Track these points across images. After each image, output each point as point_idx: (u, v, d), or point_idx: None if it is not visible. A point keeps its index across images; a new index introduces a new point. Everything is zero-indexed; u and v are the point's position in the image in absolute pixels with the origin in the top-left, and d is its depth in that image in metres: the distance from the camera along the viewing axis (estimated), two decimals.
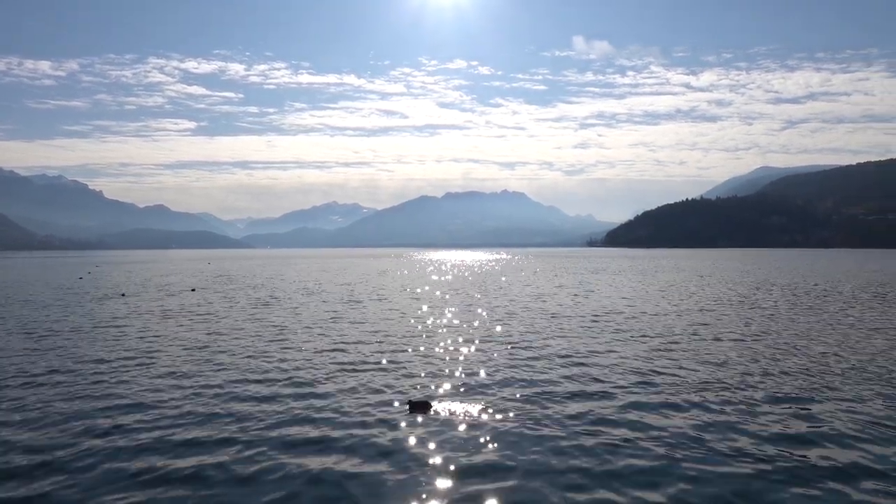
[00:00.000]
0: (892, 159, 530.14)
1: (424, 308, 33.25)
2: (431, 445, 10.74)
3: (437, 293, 43.82)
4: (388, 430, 11.54)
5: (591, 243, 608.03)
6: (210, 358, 18.76)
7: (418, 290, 46.55)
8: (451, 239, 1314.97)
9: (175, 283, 59.09)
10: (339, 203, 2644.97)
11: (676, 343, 21.25)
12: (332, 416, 12.43)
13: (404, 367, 17.17)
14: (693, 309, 32.23)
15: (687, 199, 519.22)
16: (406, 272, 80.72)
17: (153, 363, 18.01)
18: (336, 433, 11.39)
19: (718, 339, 21.95)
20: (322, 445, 10.77)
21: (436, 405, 13.13)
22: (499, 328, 25.05)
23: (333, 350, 19.97)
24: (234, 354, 19.31)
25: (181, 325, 26.51)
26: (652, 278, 62.16)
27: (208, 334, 23.75)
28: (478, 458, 10.12)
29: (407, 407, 12.97)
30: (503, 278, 64.08)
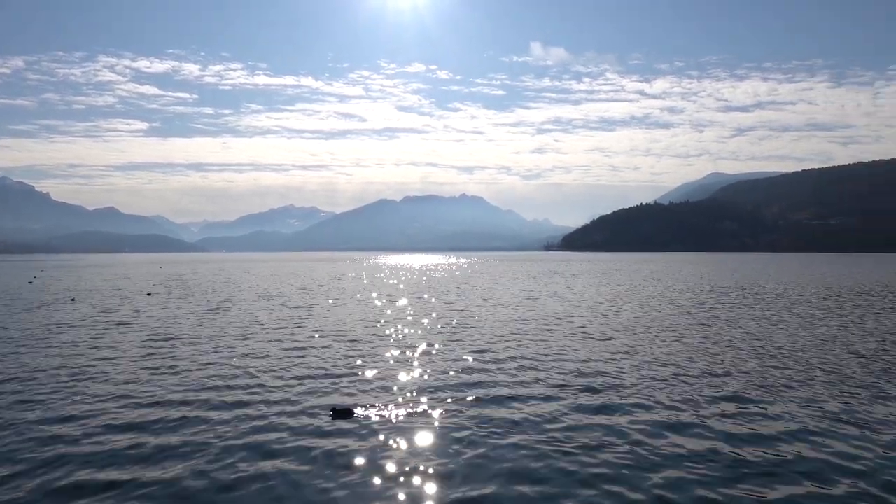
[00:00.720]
0: (833, 167, 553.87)
1: (371, 313, 33.75)
2: (351, 451, 10.79)
3: (388, 298, 44.38)
4: (310, 437, 11.50)
5: (549, 247, 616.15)
6: (155, 364, 19.00)
7: (370, 295, 47.01)
8: (409, 243, 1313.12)
9: (127, 287, 58.18)
10: (296, 206, 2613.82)
11: (626, 343, 22.35)
12: (253, 423, 12.42)
13: (336, 374, 16.99)
14: (638, 310, 33.60)
15: (641, 204, 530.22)
16: (361, 276, 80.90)
17: (94, 372, 18.14)
18: (257, 439, 11.44)
19: (674, 340, 23.20)
20: (241, 452, 10.78)
21: (360, 411, 13.08)
22: (441, 333, 25.49)
23: (272, 356, 19.91)
24: (180, 360, 19.58)
25: (130, 332, 26.55)
26: (606, 281, 63.89)
27: (156, 341, 23.93)
28: (398, 464, 10.24)
29: (330, 413, 12.88)
30: (456, 282, 64.93)
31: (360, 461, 10.39)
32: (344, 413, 12.85)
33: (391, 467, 10.12)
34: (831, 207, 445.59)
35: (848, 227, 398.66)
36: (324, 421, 12.54)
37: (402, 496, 9.06)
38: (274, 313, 33.05)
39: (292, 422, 12.51)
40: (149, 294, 48.31)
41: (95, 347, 21.91)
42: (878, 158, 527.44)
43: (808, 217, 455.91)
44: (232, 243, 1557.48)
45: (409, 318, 30.80)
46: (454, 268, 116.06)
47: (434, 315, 31.87)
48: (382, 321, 29.34)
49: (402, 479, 9.67)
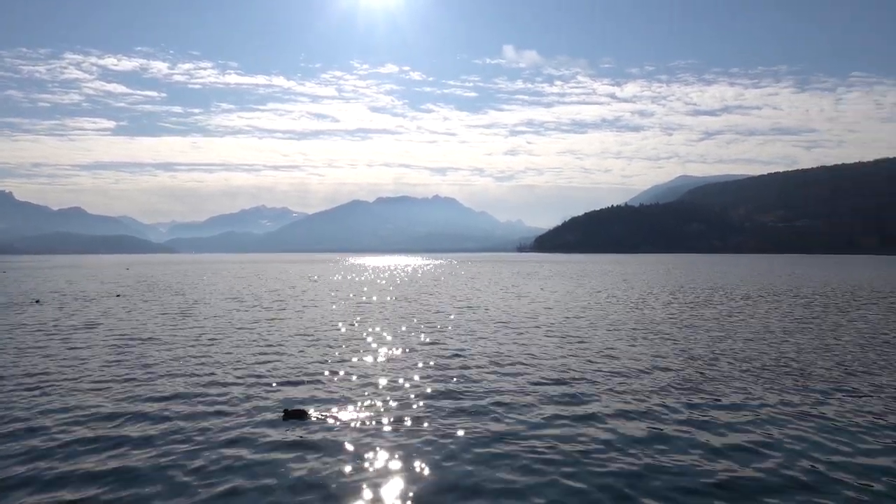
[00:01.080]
0: (797, 170, 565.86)
1: (340, 315, 33.54)
2: (301, 454, 10.69)
3: (358, 300, 44.23)
4: (260, 440, 11.42)
5: (521, 248, 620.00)
6: (122, 367, 18.78)
7: (340, 297, 46.80)
8: (382, 244, 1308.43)
9: (94, 289, 57.05)
10: (267, 207, 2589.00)
11: (601, 345, 22.63)
12: (204, 426, 12.32)
13: (295, 376, 16.83)
14: (591, 312, 34.01)
15: (612, 206, 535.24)
16: (332, 278, 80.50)
17: (60, 376, 17.81)
18: (207, 442, 11.34)
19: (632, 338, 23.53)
20: (190, 455, 10.70)
21: (313, 413, 12.93)
22: (408, 335, 25.40)
23: (236, 358, 19.65)
24: (147, 362, 19.36)
25: (92, 335, 26.10)
26: (572, 282, 64.49)
27: (124, 343, 23.58)
28: (348, 467, 10.15)
29: (282, 415, 12.74)
30: (428, 283, 64.96)
31: (306, 464, 10.25)
32: (296, 415, 12.68)
33: (337, 470, 9.99)
34: (796, 210, 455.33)
35: (812, 229, 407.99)
36: (275, 422, 12.44)
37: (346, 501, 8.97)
38: (243, 315, 32.73)
39: (244, 423, 12.46)
40: (118, 295, 47.49)
41: (61, 350, 21.47)
42: (840, 162, 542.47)
43: (774, 219, 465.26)
44: (202, 244, 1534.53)
45: (377, 319, 30.73)
46: (427, 269, 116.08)
47: (403, 317, 31.88)
48: (350, 323, 29.26)
49: (347, 484, 9.50)
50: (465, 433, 11.85)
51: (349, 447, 11.07)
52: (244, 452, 10.83)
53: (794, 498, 9.11)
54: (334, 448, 11.03)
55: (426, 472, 9.99)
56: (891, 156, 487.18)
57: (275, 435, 11.72)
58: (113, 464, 10.39)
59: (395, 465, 10.28)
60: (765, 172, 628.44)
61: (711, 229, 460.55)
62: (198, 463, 10.38)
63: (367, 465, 10.28)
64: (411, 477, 9.78)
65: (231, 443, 11.33)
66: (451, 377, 16.67)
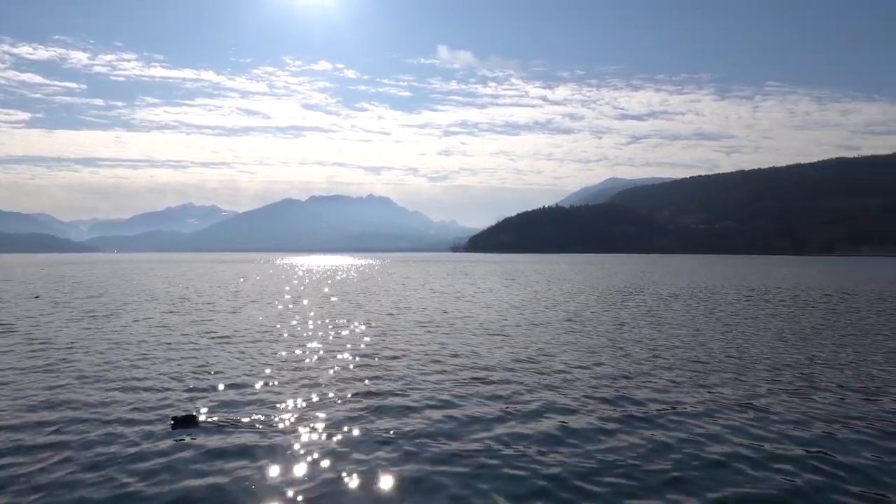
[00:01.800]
0: (718, 174, 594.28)
1: (260, 317, 32.98)
2: (190, 463, 10.23)
3: (283, 301, 43.73)
4: (145, 450, 10.82)
5: (455, 248, 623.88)
6: (32, 371, 18.05)
7: (265, 298, 46.14)
8: (315, 243, 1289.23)
9: (8, 290, 54.24)
10: (195, 205, 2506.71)
11: (531, 343, 23.01)
12: (84, 433, 11.75)
13: (186, 380, 16.12)
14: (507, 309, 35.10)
15: (544, 207, 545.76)
16: (260, 279, 79.13)
17: None
18: (85, 451, 10.77)
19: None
20: (67, 466, 10.14)
21: (203, 419, 12.33)
22: (326, 336, 24.92)
23: (123, 361, 18.75)
24: (53, 365, 18.61)
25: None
26: (512, 282, 65.71)
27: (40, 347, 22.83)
28: (238, 476, 9.72)
29: (170, 423, 12.12)
30: (359, 283, 64.87)
31: (191, 475, 9.78)
32: (185, 421, 12.12)
33: (226, 481, 9.58)
34: (717, 213, 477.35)
35: (731, 231, 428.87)
36: (163, 431, 11.83)
37: None
38: (160, 318, 31.68)
39: (127, 432, 11.74)
40: (37, 297, 45.37)
41: None
42: (756, 167, 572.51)
43: (696, 221, 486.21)
44: (126, 243, 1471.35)
45: (288, 321, 29.86)
46: (360, 268, 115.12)
47: (316, 318, 31.49)
48: (271, 325, 28.62)
49: (235, 494, 9.14)
50: (367, 435, 11.63)
51: (241, 454, 10.60)
52: (125, 465, 10.19)
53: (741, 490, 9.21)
54: (225, 456, 10.55)
55: (322, 476, 9.71)
56: (802, 161, 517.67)
57: (161, 445, 11.08)
58: None
59: (289, 470, 9.96)
60: (688, 175, 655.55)
61: (639, 231, 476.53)
62: (70, 478, 9.69)
63: (259, 472, 9.89)
64: (305, 482, 9.48)
65: (112, 454, 10.64)
66: (358, 376, 16.45)
